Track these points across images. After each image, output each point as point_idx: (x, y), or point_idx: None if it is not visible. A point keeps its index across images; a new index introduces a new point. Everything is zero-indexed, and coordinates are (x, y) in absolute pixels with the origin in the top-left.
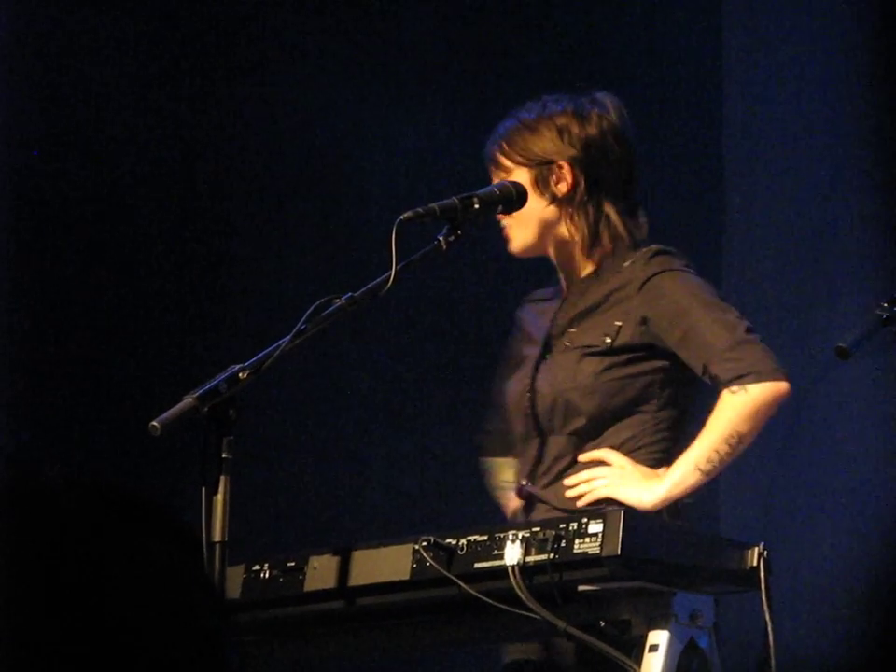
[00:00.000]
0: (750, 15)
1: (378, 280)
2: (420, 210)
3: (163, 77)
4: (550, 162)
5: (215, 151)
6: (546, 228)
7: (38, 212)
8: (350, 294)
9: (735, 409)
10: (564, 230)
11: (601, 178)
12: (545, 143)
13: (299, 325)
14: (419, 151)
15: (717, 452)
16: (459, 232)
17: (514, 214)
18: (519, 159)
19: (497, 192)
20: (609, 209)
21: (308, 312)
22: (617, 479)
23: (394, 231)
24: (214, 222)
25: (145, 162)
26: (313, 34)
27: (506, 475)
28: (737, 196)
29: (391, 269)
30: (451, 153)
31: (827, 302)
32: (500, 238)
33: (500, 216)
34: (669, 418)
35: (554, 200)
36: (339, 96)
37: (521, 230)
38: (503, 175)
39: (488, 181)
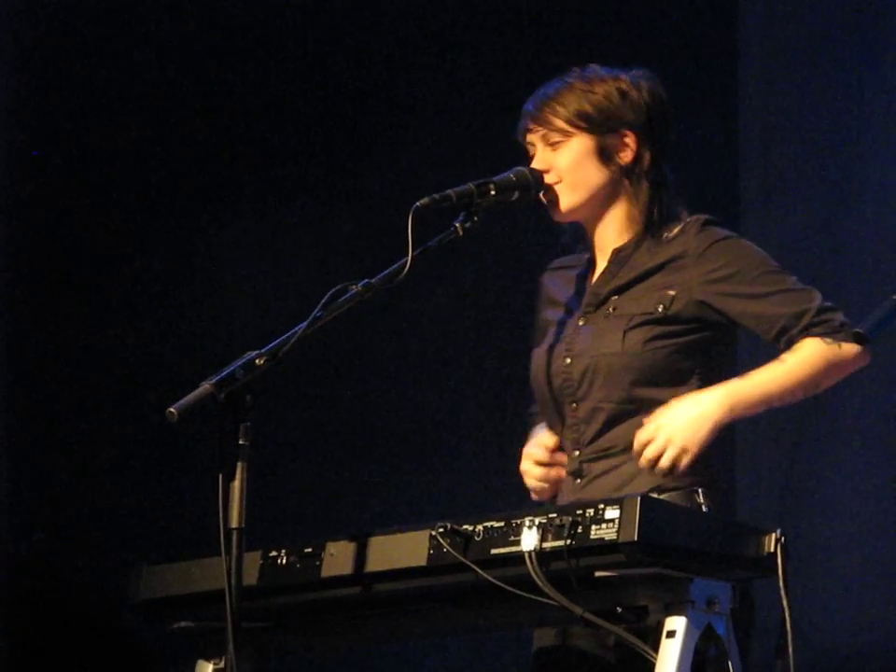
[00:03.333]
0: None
1: (395, 266)
2: (436, 196)
3: (163, 75)
4: (613, 130)
5: (218, 134)
6: (599, 195)
7: (38, 212)
8: (367, 280)
9: (827, 359)
10: (617, 199)
11: (661, 149)
12: (606, 105)
13: (315, 311)
14: (432, 136)
15: (793, 396)
16: (476, 219)
17: (568, 177)
18: (581, 123)
19: (514, 178)
20: (666, 179)
21: (325, 298)
22: (672, 437)
23: (410, 218)
24: (220, 206)
25: (143, 155)
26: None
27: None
28: (754, 187)
29: (408, 255)
30: (465, 137)
31: (843, 287)
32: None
33: (547, 177)
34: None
35: (617, 168)
36: (343, 83)
37: (573, 194)
38: (555, 137)
39: (503, 167)
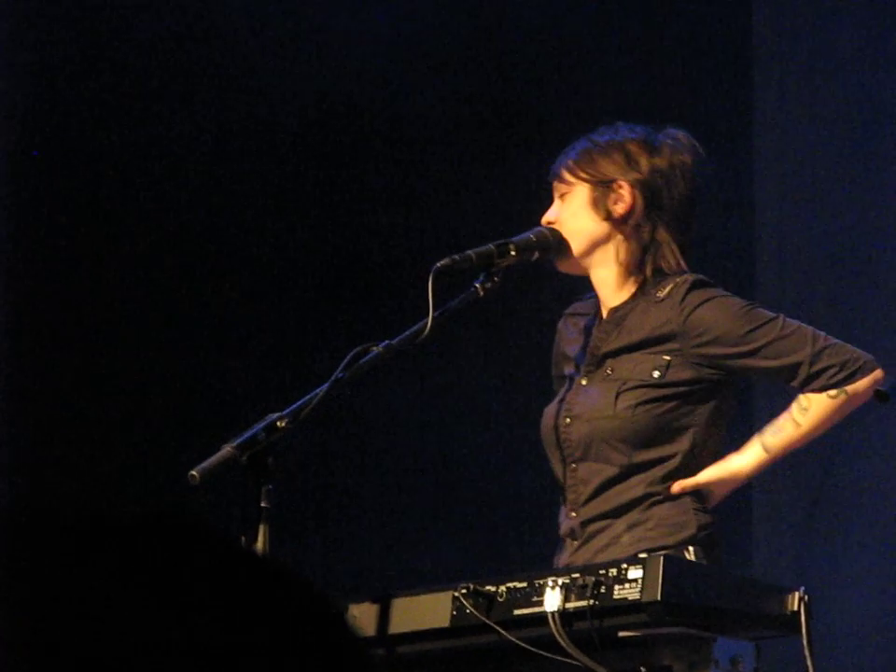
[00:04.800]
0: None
1: (415, 328)
2: (456, 257)
3: (166, 76)
4: (611, 181)
5: (220, 134)
6: (594, 245)
7: (38, 213)
8: (387, 342)
9: (837, 410)
10: (611, 250)
11: (661, 206)
12: (611, 165)
13: (336, 373)
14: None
15: (799, 445)
16: (496, 279)
17: (566, 226)
18: (582, 175)
19: (534, 239)
20: (663, 238)
21: (346, 360)
22: None
23: (430, 279)
24: (219, 210)
25: (145, 156)
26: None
27: None
28: (769, 222)
29: (428, 316)
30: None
31: (862, 333)
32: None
33: (552, 224)
34: (707, 440)
35: (609, 218)
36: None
37: (570, 243)
38: (563, 189)
39: (525, 226)
